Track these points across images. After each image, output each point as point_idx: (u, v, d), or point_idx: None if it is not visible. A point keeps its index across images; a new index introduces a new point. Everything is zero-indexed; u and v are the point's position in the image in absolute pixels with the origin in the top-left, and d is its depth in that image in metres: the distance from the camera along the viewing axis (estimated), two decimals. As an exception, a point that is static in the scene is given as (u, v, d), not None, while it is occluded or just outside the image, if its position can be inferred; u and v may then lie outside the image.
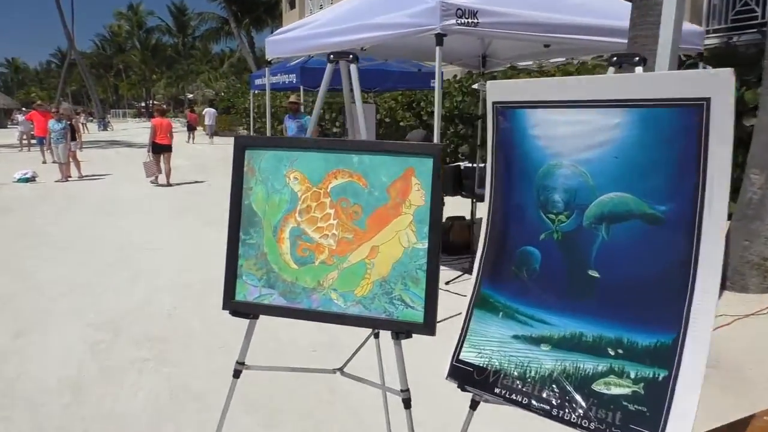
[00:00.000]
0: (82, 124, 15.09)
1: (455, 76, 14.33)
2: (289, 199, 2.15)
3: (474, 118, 13.18)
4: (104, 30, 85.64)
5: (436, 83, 4.22)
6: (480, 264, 2.06)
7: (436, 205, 2.06)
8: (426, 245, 2.03)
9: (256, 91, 15.81)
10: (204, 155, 20.06)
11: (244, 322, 2.21)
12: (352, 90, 2.59)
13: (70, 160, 13.10)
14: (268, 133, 15.80)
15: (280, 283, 2.16)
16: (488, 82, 2.07)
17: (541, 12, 4.52)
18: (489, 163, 2.08)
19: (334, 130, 18.70)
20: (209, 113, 28.20)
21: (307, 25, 5.87)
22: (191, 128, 27.58)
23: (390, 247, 2.07)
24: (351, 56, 2.47)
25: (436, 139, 4.58)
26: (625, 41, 4.42)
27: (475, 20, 4.21)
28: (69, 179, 12.94)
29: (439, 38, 4.10)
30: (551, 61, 7.70)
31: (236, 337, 2.50)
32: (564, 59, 8.96)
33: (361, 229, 2.10)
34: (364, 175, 2.10)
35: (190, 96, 55.89)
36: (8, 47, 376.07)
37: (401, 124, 15.82)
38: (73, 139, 13.12)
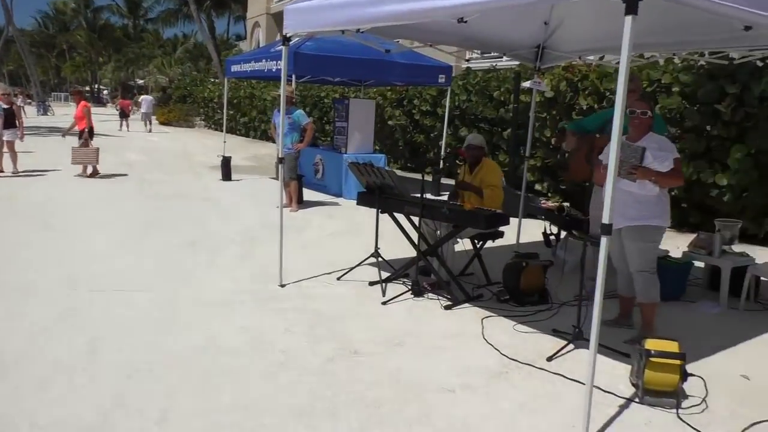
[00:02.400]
0: (19, 107, 12.68)
1: (468, 69, 12.74)
2: None
3: (480, 120, 11.64)
4: (47, 6, 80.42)
5: (623, 71, 2.58)
6: None
7: None
8: None
9: (231, 79, 13.78)
10: (161, 149, 17.86)
11: None
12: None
13: (4, 151, 10.90)
14: (225, 127, 14.05)
15: None
16: None
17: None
18: None
19: (327, 127, 16.83)
20: (146, 101, 26.09)
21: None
22: (124, 115, 25.61)
23: None
24: None
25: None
26: None
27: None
28: (1, 175, 10.77)
29: (632, 2, 2.48)
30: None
31: None
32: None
33: None
34: None
35: (141, 82, 52.61)
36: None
37: (390, 122, 14.16)
38: (10, 126, 10.87)
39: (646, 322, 4.10)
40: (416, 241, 5.09)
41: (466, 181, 5.25)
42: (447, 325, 4.33)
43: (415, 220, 5.12)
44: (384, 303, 4.71)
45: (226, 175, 11.58)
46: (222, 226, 7.38)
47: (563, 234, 6.17)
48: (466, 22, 3.32)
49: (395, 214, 5.22)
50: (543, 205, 9.06)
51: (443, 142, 10.82)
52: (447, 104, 10.49)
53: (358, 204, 5.40)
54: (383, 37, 5.94)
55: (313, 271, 5.49)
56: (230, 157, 11.78)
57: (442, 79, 10.37)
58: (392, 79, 10.78)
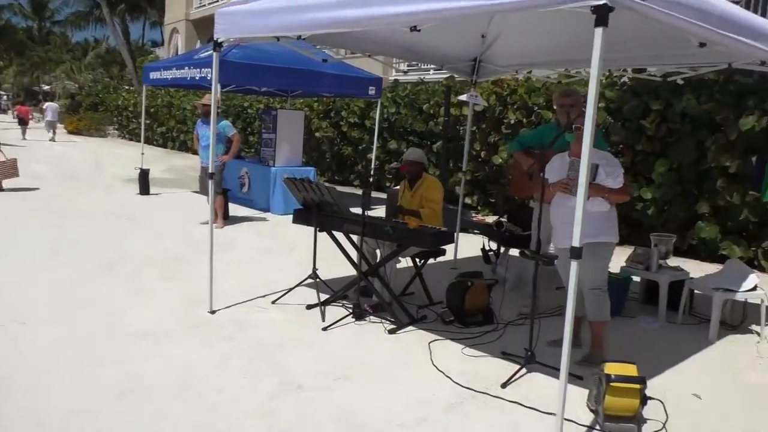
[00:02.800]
0: None
1: (395, 81, 12.64)
2: None
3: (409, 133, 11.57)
4: (-61, 6, 74.75)
5: (593, 86, 2.43)
6: None
7: None
8: None
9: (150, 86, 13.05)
10: (71, 160, 16.72)
11: None
12: None
13: None
14: (143, 137, 13.31)
15: None
16: None
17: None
18: None
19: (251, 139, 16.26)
20: (51, 108, 24.51)
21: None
22: (22, 122, 24.03)
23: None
24: None
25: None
26: None
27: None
28: None
29: (603, 14, 2.35)
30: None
31: None
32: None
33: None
34: None
35: (47, 87, 49.60)
36: None
37: (317, 134, 13.86)
38: None
39: (596, 341, 4.03)
40: (356, 261, 4.85)
41: (402, 206, 5.05)
42: (393, 351, 4.10)
43: (355, 238, 4.87)
44: (325, 329, 4.42)
45: (144, 188, 10.88)
46: (141, 245, 6.84)
47: (503, 250, 6.11)
48: (419, 30, 3.12)
49: (334, 233, 4.95)
50: (474, 219, 9.04)
51: (373, 155, 10.64)
52: (377, 116, 10.32)
53: (294, 222, 5.08)
54: (319, 46, 5.69)
55: (245, 294, 5.12)
56: (148, 169, 11.10)
57: (372, 91, 10.19)
58: (321, 90, 10.51)
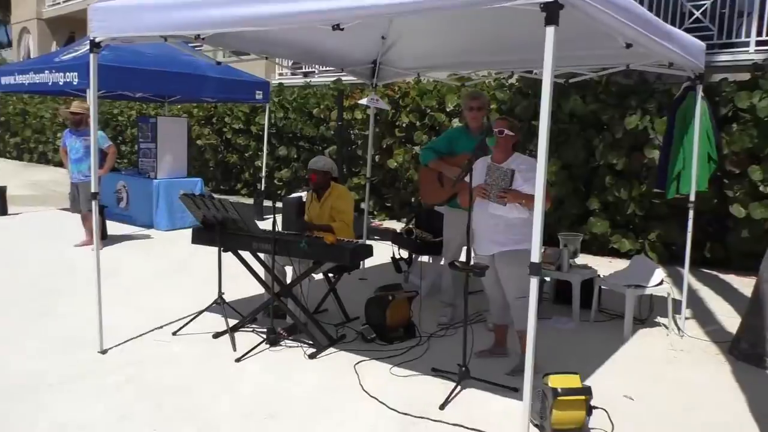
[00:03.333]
0: None
1: (280, 84, 12.14)
2: None
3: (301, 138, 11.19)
4: None
5: (546, 88, 2.26)
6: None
7: None
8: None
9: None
10: None
11: None
12: None
13: None
14: None
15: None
16: None
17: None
18: None
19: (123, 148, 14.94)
20: None
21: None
22: None
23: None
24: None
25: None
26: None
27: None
28: None
29: (553, 12, 2.19)
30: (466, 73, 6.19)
31: None
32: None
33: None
34: None
35: None
36: None
37: (198, 142, 13.05)
38: None
39: (526, 350, 3.92)
40: (267, 280, 4.46)
41: (312, 222, 4.68)
42: (319, 379, 3.76)
43: (263, 255, 4.47)
44: (238, 360, 3.99)
45: (1, 208, 9.63)
46: (6, 276, 5.94)
47: (414, 258, 5.95)
48: (342, 29, 2.82)
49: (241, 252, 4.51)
50: (373, 225, 8.86)
51: (263, 162, 10.14)
52: (266, 122, 9.85)
53: (193, 242, 4.58)
54: (210, 48, 5.21)
55: (140, 326, 4.54)
56: (5, 186, 9.83)
57: (259, 95, 9.68)
58: (204, 95, 9.84)
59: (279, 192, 11.89)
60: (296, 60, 6.01)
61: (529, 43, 4.95)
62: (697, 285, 6.31)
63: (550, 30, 2.24)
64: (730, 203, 6.56)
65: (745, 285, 6.30)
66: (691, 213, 4.63)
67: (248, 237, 4.30)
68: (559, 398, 3.01)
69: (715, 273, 6.82)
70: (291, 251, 4.17)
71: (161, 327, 4.56)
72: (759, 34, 7.91)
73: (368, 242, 5.26)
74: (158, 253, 7.28)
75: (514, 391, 3.55)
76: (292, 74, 13.58)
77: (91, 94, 3.94)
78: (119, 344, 4.20)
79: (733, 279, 6.57)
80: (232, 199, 11.32)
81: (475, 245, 4.02)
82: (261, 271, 4.54)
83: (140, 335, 4.39)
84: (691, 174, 4.48)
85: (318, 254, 4.15)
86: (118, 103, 15.14)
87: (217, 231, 4.33)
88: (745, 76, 6.79)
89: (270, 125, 10.75)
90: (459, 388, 3.59)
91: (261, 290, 4.76)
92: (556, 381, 3.07)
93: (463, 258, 4.66)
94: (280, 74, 13.94)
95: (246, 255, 4.49)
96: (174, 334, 4.43)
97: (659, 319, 5.02)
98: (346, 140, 10.11)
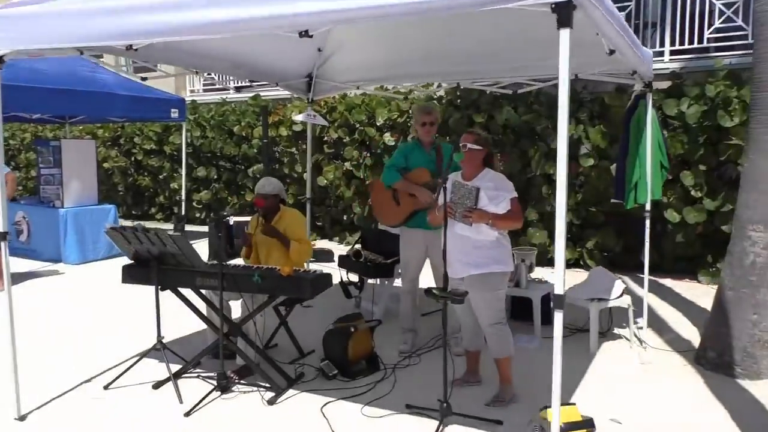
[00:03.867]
0: None
1: (193, 101, 11.44)
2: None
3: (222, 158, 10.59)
4: None
5: (563, 92, 2.02)
6: None
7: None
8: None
9: None
10: None
11: None
12: None
13: None
14: None
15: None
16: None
17: None
18: None
19: (17, 174, 13.54)
20: None
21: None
22: None
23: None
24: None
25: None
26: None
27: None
28: None
29: (566, 13, 1.96)
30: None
31: None
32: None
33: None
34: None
35: None
36: None
37: (105, 165, 12.09)
38: None
39: (504, 377, 3.70)
40: (211, 317, 4.00)
41: (272, 230, 4.27)
42: (284, 428, 3.35)
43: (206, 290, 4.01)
44: (188, 413, 3.50)
45: None
46: None
47: (364, 282, 5.62)
48: (311, 36, 2.48)
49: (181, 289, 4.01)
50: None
51: (182, 184, 9.48)
52: (183, 141, 9.22)
53: (124, 282, 4.02)
54: (123, 64, 4.67)
55: (65, 381, 3.92)
56: None
57: (175, 113, 9.06)
58: (113, 115, 9.07)
59: (198, 216, 11.20)
60: (228, 74, 5.55)
61: (458, 53, 4.88)
62: (641, 291, 6.36)
63: (564, 33, 2.02)
64: (664, 208, 6.70)
65: (684, 289, 6.44)
66: (647, 222, 4.61)
67: (191, 272, 3.82)
68: (561, 434, 2.77)
69: (652, 278, 6.93)
70: (242, 286, 3.74)
71: (89, 380, 3.97)
72: (672, 44, 8.23)
73: (312, 266, 4.86)
74: (71, 291, 6.51)
75: (499, 425, 3.30)
76: (205, 91, 12.90)
77: (-3, 116, 3.35)
78: (41, 406, 3.59)
79: (671, 283, 6.69)
80: (147, 224, 10.55)
81: (448, 267, 3.75)
82: (202, 306, 4.06)
83: (65, 392, 3.79)
84: (646, 183, 4.46)
85: (274, 288, 3.73)
86: (8, 125, 13.80)
87: (153, 268, 3.82)
88: (665, 84, 7.00)
89: (186, 145, 10.10)
90: (442, 426, 3.29)
91: (201, 326, 4.27)
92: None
93: (430, 282, 4.44)
94: (192, 91, 13.19)
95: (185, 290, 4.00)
96: (106, 387, 3.86)
97: (618, 331, 4.96)
98: (272, 158, 9.63)
